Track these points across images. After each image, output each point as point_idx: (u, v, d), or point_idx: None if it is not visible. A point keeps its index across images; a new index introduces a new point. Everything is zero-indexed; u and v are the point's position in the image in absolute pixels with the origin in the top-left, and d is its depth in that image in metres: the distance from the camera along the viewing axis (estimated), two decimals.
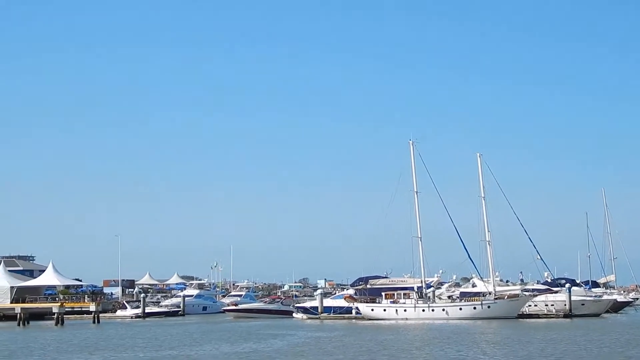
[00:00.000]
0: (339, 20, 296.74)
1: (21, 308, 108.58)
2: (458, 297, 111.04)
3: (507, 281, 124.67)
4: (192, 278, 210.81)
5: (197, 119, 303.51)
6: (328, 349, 56.19)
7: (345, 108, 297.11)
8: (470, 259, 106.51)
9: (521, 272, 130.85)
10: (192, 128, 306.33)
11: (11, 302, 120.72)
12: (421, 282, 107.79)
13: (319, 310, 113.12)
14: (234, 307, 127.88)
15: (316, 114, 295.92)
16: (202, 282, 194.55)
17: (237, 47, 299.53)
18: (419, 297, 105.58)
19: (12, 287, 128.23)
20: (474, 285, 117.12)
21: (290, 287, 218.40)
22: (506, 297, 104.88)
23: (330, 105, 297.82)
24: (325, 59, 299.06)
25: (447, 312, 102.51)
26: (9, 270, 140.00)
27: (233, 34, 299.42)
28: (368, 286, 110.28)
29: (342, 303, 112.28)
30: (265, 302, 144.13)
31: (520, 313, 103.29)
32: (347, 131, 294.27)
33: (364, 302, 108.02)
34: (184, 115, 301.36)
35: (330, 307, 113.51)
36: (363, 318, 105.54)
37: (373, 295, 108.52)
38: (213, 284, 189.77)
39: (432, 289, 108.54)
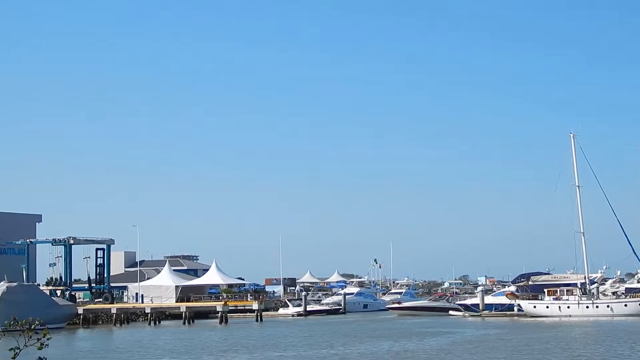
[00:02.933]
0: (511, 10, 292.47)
1: (186, 307, 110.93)
2: (623, 293, 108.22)
3: None
4: (352, 276, 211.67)
5: None
6: (494, 347, 55.57)
7: (505, 100, 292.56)
8: (635, 253, 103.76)
9: None
10: None
11: (176, 301, 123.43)
12: (584, 278, 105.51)
13: (480, 308, 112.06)
14: (398, 305, 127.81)
15: (481, 105, 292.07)
16: (362, 280, 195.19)
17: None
18: (583, 294, 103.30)
19: (177, 287, 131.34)
20: (639, 281, 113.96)
21: (450, 284, 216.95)
22: None
23: (494, 97, 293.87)
24: (498, 47, 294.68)
25: (611, 309, 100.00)
26: (174, 270, 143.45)
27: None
28: (530, 283, 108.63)
29: (504, 300, 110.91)
30: (430, 299, 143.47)
31: None
32: (505, 125, 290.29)
33: (526, 299, 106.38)
34: None
35: (492, 304, 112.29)
36: (525, 315, 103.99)
37: (535, 292, 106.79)
38: (373, 282, 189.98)
39: (595, 285, 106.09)
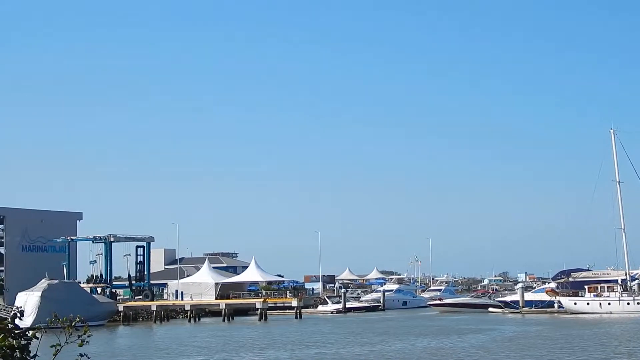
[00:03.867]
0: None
1: (226, 304, 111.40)
2: None
3: None
4: (391, 273, 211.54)
5: None
6: (534, 344, 55.39)
7: (544, 98, 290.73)
8: None
9: None
10: None
11: (216, 298, 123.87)
12: (625, 274, 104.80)
13: (520, 304, 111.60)
14: (439, 302, 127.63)
15: (520, 103, 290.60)
16: (401, 276, 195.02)
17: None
18: (624, 290, 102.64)
19: (216, 284, 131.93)
20: None
21: (490, 281, 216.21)
22: None
23: (532, 94, 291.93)
24: (534, 45, 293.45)
25: None
26: (214, 267, 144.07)
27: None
28: (570, 279, 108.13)
29: (544, 297, 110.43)
30: (472, 296, 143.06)
31: None
32: (545, 121, 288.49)
33: (567, 295, 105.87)
34: None
35: (532, 301, 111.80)
36: (565, 312, 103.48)
37: (575, 289, 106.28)
38: (412, 279, 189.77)
39: (636, 281, 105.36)
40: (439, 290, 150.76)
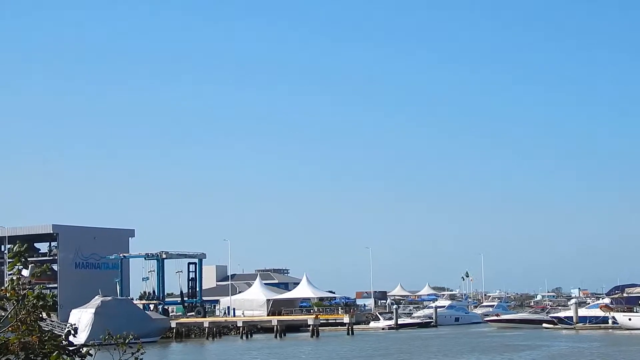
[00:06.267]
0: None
1: (277, 320, 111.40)
2: None
3: None
4: (443, 289, 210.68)
5: None
6: None
7: (597, 113, 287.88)
8: None
9: None
10: None
11: (267, 315, 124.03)
12: None
13: (574, 320, 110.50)
14: (496, 317, 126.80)
15: (572, 116, 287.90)
16: (453, 292, 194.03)
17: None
18: None
19: (268, 300, 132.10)
20: None
21: (543, 296, 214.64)
22: None
23: (584, 108, 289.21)
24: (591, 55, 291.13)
25: None
26: (265, 284, 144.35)
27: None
28: (624, 295, 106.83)
29: (598, 312, 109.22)
30: (530, 312, 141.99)
31: None
32: (596, 137, 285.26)
33: (621, 311, 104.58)
34: None
35: (586, 316, 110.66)
36: (620, 328, 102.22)
37: (630, 304, 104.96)
38: (465, 295, 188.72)
39: None
40: (492, 306, 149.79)
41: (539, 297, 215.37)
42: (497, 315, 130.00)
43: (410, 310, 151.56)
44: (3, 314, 11.63)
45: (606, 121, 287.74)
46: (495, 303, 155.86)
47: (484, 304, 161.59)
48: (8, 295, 11.59)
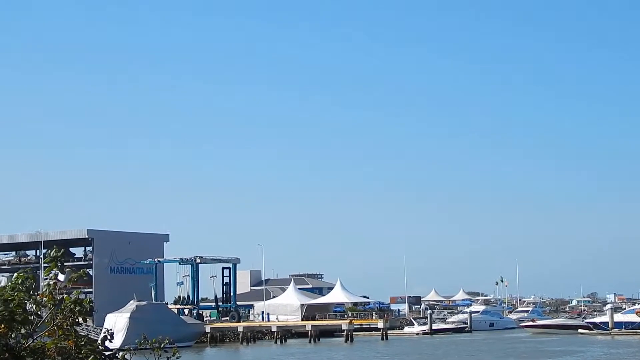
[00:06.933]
0: None
1: (312, 325, 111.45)
2: None
3: None
4: (477, 294, 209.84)
5: None
6: None
7: (631, 117, 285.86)
8: None
9: None
10: None
11: (302, 320, 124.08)
12: None
13: (610, 326, 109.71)
14: (531, 323, 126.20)
15: (607, 122, 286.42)
16: (488, 297, 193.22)
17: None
18: None
19: (302, 305, 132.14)
20: None
21: (578, 302, 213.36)
22: None
23: (620, 114, 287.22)
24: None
25: None
26: (299, 288, 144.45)
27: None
28: None
29: (634, 318, 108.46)
30: (566, 317, 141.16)
31: None
32: (629, 141, 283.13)
33: None
34: None
35: (621, 322, 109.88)
36: None
37: None
38: (499, 300, 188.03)
39: None
40: (526, 311, 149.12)
41: (574, 303, 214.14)
42: (533, 320, 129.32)
43: (444, 315, 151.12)
44: (39, 319, 11.73)
45: None
46: (530, 308, 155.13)
47: (519, 309, 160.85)
48: (45, 299, 11.70)
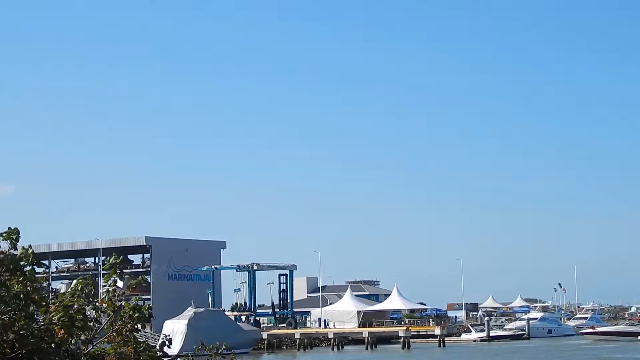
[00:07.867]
0: None
1: (368, 332, 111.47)
2: None
3: None
4: (535, 301, 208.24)
5: None
6: None
7: None
8: None
9: None
10: None
11: (358, 326, 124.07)
12: None
13: None
14: (592, 330, 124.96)
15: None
16: (546, 304, 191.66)
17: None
18: None
19: (359, 312, 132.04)
20: None
21: (637, 308, 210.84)
22: None
23: None
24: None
25: None
26: (356, 295, 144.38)
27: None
28: None
29: None
30: (627, 324, 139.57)
31: None
32: None
33: None
34: None
35: None
36: None
37: None
38: (557, 307, 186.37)
39: None
40: (585, 318, 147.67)
41: (633, 310, 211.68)
42: (593, 327, 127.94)
43: (502, 322, 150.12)
44: (99, 325, 11.88)
45: None
46: (589, 315, 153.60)
47: (577, 316, 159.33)
48: (104, 306, 11.85)
